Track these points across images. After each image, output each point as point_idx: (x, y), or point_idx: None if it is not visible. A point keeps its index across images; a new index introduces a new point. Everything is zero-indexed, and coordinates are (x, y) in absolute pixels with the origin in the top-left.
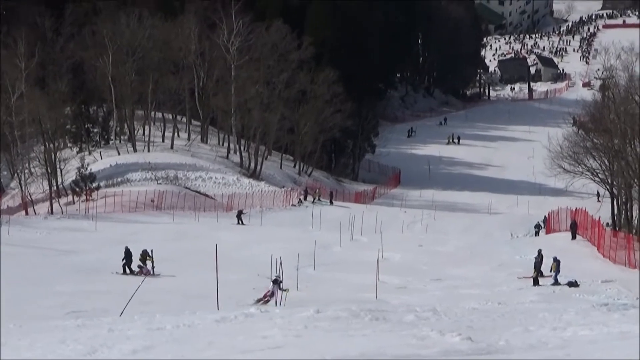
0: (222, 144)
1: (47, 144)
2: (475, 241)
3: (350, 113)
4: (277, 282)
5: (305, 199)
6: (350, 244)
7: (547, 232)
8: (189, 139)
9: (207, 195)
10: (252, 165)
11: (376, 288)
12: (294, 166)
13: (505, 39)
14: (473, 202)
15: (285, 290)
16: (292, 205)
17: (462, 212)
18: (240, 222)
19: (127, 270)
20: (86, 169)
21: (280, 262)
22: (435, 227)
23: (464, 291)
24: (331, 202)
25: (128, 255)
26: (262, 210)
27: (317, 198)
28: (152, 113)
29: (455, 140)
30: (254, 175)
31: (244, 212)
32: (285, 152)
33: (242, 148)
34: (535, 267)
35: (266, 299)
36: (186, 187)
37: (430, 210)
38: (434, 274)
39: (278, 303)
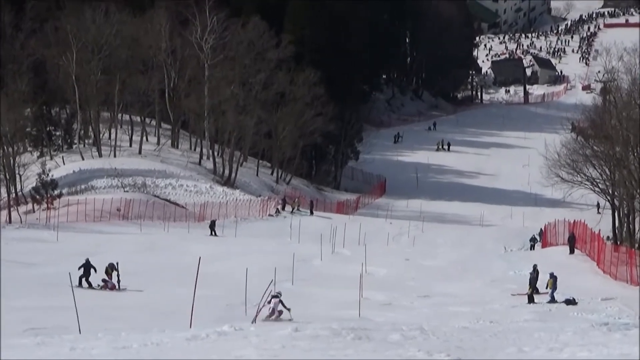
0: (194, 149)
1: (5, 147)
2: (466, 255)
3: (333, 117)
4: (277, 297)
5: (283, 208)
6: (331, 257)
7: (544, 246)
8: (158, 143)
9: (177, 204)
10: (227, 172)
11: (359, 305)
12: (272, 173)
13: (499, 38)
14: (464, 213)
15: (287, 309)
16: (269, 215)
17: (452, 223)
18: (213, 233)
19: (85, 284)
20: (47, 175)
21: (273, 281)
22: (423, 239)
23: (454, 309)
24: (311, 212)
25: (87, 267)
26: (237, 220)
27: (296, 208)
28: (119, 115)
29: (445, 147)
30: (229, 182)
31: (217, 222)
32: (262, 158)
33: (215, 153)
34: (530, 284)
35: (269, 317)
36: (155, 196)
37: (418, 221)
38: (421, 290)
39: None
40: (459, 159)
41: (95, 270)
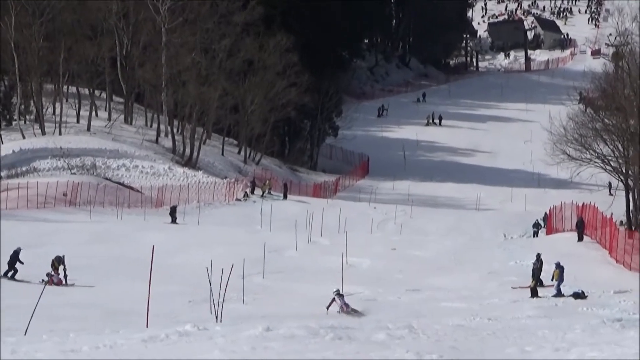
0: (151, 126)
1: None
2: (461, 244)
3: (308, 87)
4: (340, 294)
5: (252, 192)
6: (307, 248)
7: (548, 233)
8: (109, 119)
9: (132, 188)
10: (187, 151)
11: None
12: (239, 152)
13: None
14: (458, 196)
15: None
16: (237, 199)
17: (445, 208)
18: (174, 220)
19: (8, 275)
20: None
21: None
22: (412, 226)
23: (447, 304)
24: (284, 196)
25: (13, 258)
26: (200, 206)
27: (267, 191)
28: (65, 88)
29: (436, 121)
30: (190, 163)
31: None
32: (228, 135)
33: (175, 130)
34: (533, 275)
35: (344, 310)
36: (106, 178)
37: (406, 205)
38: (410, 283)
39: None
40: (452, 135)
41: (22, 263)
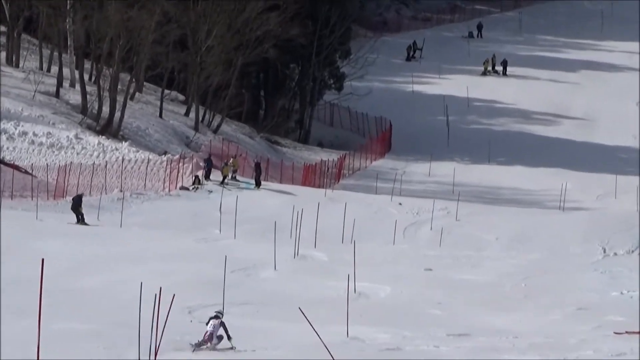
0: (48, 70)
1: None
2: (534, 262)
3: (297, 13)
4: (218, 317)
5: (207, 177)
6: (293, 266)
7: None
8: None
9: (17, 168)
10: (106, 110)
11: (343, 350)
12: (187, 114)
13: None
14: (531, 188)
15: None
16: (182, 188)
17: (511, 205)
18: (79, 219)
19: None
20: None
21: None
22: (458, 234)
23: (512, 357)
24: (257, 184)
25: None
26: (125, 197)
27: (230, 176)
28: None
29: (499, 69)
30: (109, 130)
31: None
32: (170, 86)
33: (86, 78)
34: None
35: (205, 344)
36: None
37: (449, 201)
38: (454, 324)
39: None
40: (524, 91)
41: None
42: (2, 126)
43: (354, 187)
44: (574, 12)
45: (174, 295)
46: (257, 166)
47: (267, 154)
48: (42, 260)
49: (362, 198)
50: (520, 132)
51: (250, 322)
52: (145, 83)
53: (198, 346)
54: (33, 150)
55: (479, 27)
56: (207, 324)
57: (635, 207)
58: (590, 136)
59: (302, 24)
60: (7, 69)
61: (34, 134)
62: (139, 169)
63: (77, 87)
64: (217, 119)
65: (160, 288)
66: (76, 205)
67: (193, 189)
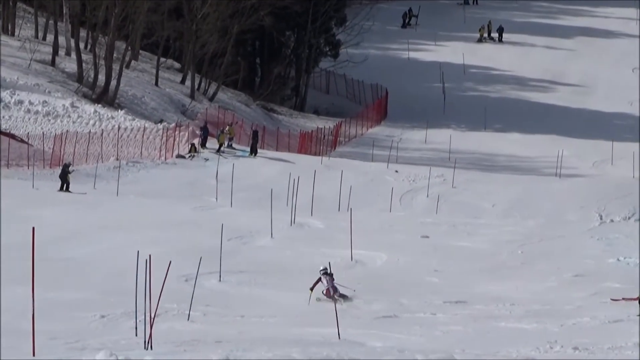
0: (44, 38)
1: None
2: (531, 230)
3: None
4: (327, 273)
5: (203, 145)
6: (289, 234)
7: None
8: None
9: (13, 137)
10: (101, 79)
11: (337, 318)
12: (183, 82)
13: None
14: (527, 155)
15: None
16: (179, 156)
17: (507, 172)
18: (64, 187)
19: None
20: None
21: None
22: (454, 201)
23: (509, 325)
24: (253, 152)
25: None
26: (121, 165)
27: (226, 144)
28: None
29: (495, 35)
30: (105, 98)
31: (71, 169)
32: (166, 54)
33: (82, 45)
34: None
35: (334, 296)
36: None
37: (446, 168)
38: (450, 291)
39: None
40: (520, 58)
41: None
42: None
43: (350, 155)
44: None
45: (170, 262)
46: (255, 134)
47: (263, 122)
48: (33, 228)
49: (358, 165)
50: (516, 99)
51: (247, 289)
52: (140, 51)
53: (332, 297)
54: (29, 119)
55: None
56: (318, 280)
57: (632, 174)
58: (586, 103)
59: None
60: (3, 38)
61: (30, 103)
62: (135, 137)
63: (73, 55)
64: (213, 86)
65: (150, 255)
66: (63, 173)
67: (189, 157)
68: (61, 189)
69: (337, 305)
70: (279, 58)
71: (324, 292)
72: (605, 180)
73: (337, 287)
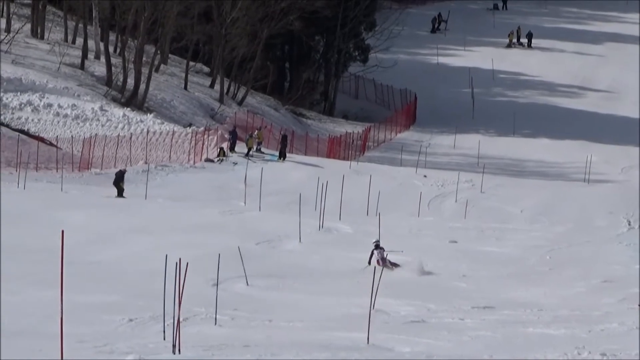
0: (73, 42)
1: None
2: (560, 235)
3: None
4: (378, 247)
5: (232, 149)
6: (318, 238)
7: None
8: (8, 31)
9: (42, 140)
10: (130, 82)
11: (368, 323)
12: (212, 86)
13: None
14: (556, 160)
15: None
16: (207, 160)
17: (536, 178)
18: (120, 193)
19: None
20: None
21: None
22: (482, 206)
23: (537, 330)
24: (282, 157)
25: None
26: (149, 169)
27: (255, 148)
28: None
29: (524, 41)
30: (134, 102)
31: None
32: (195, 58)
33: (111, 50)
34: None
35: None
36: (2, 124)
37: (474, 174)
38: (478, 297)
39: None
40: (549, 63)
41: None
42: (26, 98)
43: (379, 160)
44: None
45: (187, 264)
46: (284, 138)
47: (292, 126)
48: (62, 232)
49: (387, 170)
50: (545, 104)
51: (275, 294)
52: (170, 55)
53: (385, 266)
54: (58, 122)
55: (504, 0)
56: (372, 253)
57: None
58: (615, 108)
59: None
60: (32, 41)
61: (59, 106)
62: (164, 141)
63: (102, 59)
64: (242, 91)
65: (180, 259)
66: (117, 180)
67: (218, 161)
68: (119, 195)
69: (388, 271)
70: (308, 62)
71: (377, 262)
72: (633, 186)
73: (386, 258)
